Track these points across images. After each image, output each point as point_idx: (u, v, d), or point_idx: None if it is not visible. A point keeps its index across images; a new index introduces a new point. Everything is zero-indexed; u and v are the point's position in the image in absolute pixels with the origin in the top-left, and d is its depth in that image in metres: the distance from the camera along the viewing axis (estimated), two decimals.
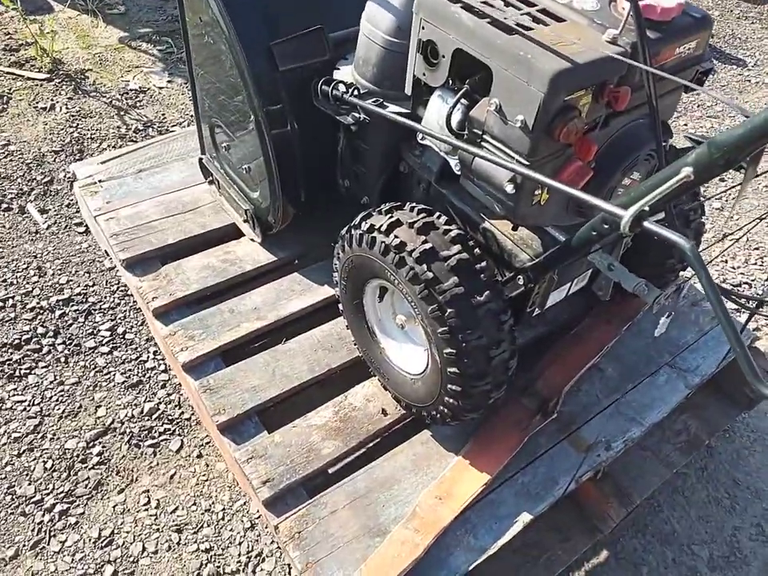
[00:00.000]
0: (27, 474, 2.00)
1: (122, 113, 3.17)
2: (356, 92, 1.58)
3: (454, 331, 1.38)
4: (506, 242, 1.56)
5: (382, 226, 1.46)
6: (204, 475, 2.06)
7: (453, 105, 1.29)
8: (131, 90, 3.31)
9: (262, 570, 1.89)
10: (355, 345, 1.84)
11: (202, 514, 1.98)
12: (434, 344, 1.44)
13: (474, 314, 1.38)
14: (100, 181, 2.26)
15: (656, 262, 1.84)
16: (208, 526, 1.96)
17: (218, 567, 1.88)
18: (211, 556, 1.90)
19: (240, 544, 1.93)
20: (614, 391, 1.91)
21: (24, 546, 1.86)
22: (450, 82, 1.32)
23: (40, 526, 1.91)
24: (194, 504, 2.00)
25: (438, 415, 1.60)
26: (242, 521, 1.98)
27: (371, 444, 1.79)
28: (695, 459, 2.19)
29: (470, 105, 1.28)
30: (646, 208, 0.88)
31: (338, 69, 1.72)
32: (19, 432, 2.09)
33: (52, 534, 1.90)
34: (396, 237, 1.42)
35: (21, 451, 2.05)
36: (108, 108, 3.19)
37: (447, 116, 1.31)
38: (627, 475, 1.92)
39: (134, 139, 3.04)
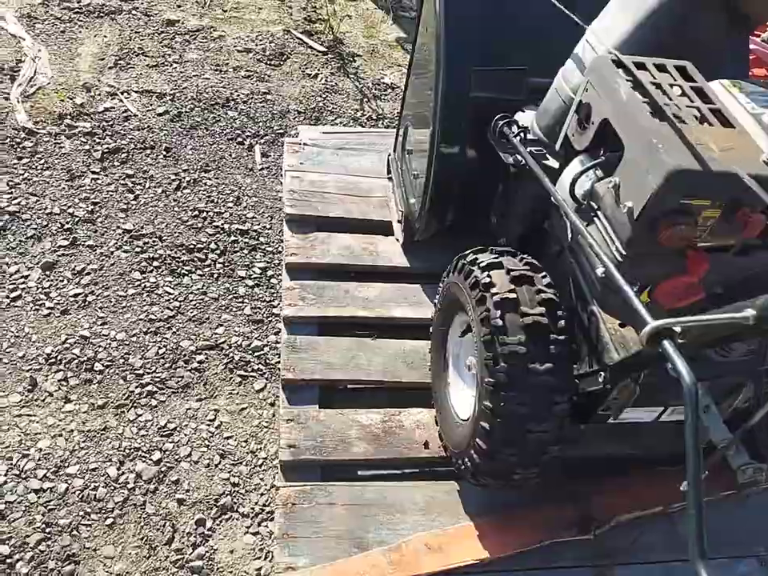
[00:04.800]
0: (143, 351, 2.34)
1: (365, 99, 3.49)
2: (521, 135, 1.59)
3: (498, 387, 1.35)
4: (605, 334, 1.45)
5: (483, 262, 1.48)
6: (267, 421, 2.22)
7: (581, 172, 1.25)
8: (383, 83, 3.63)
9: (266, 526, 1.98)
10: (429, 370, 1.85)
11: (248, 453, 2.13)
12: (478, 392, 1.42)
13: (524, 379, 1.33)
14: (305, 144, 2.53)
15: None
16: (246, 465, 2.11)
17: (235, 503, 2.02)
18: (235, 491, 2.04)
19: (262, 495, 2.05)
20: (674, 551, 1.66)
21: (112, 402, 2.18)
22: (593, 149, 1.28)
23: (130, 394, 2.22)
24: (246, 441, 2.16)
25: (463, 466, 1.56)
26: (275, 477, 2.09)
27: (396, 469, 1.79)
28: None
29: (601, 178, 1.23)
30: (677, 328, 0.80)
31: (523, 111, 1.74)
32: (155, 316, 2.44)
33: (135, 405, 2.19)
34: (489, 276, 1.43)
35: (148, 330, 2.39)
36: (356, 92, 3.53)
37: (572, 181, 1.27)
38: None
39: (363, 124, 3.33)
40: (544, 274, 1.44)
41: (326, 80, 3.57)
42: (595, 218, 1.21)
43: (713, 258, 1.14)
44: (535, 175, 1.43)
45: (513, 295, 1.37)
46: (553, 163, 1.54)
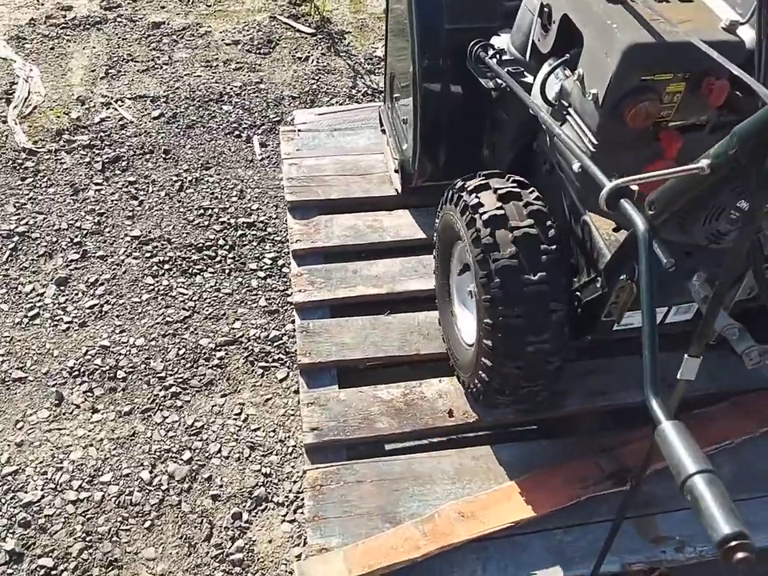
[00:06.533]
0: (163, 354, 2.34)
1: (358, 76, 3.43)
2: (497, 56, 1.53)
3: (495, 302, 1.33)
4: (598, 240, 1.40)
5: (470, 185, 1.45)
6: (293, 410, 2.21)
7: (548, 73, 1.22)
8: (375, 56, 3.56)
9: (302, 513, 1.98)
10: (442, 337, 1.81)
11: (276, 442, 2.13)
12: (478, 311, 1.42)
13: (519, 291, 1.31)
14: (299, 130, 2.50)
15: None
16: (276, 454, 2.10)
17: (269, 494, 2.02)
18: (267, 481, 2.05)
19: (295, 482, 2.04)
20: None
21: (138, 408, 2.20)
22: (559, 51, 1.24)
23: (155, 397, 2.23)
24: (274, 431, 2.16)
25: (474, 389, 1.56)
26: (305, 463, 2.09)
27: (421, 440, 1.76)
28: None
29: (568, 77, 1.19)
30: (634, 186, 0.78)
31: (499, 35, 1.67)
32: (171, 318, 2.44)
33: (160, 408, 2.21)
34: (477, 198, 1.41)
35: (166, 333, 2.40)
36: (349, 69, 3.47)
37: (541, 83, 1.24)
38: None
39: (359, 100, 3.27)
40: (532, 189, 1.42)
41: (317, 62, 3.52)
42: (567, 116, 1.19)
43: (688, 137, 1.10)
44: (512, 91, 1.38)
45: (501, 212, 1.35)
46: (530, 79, 1.49)
